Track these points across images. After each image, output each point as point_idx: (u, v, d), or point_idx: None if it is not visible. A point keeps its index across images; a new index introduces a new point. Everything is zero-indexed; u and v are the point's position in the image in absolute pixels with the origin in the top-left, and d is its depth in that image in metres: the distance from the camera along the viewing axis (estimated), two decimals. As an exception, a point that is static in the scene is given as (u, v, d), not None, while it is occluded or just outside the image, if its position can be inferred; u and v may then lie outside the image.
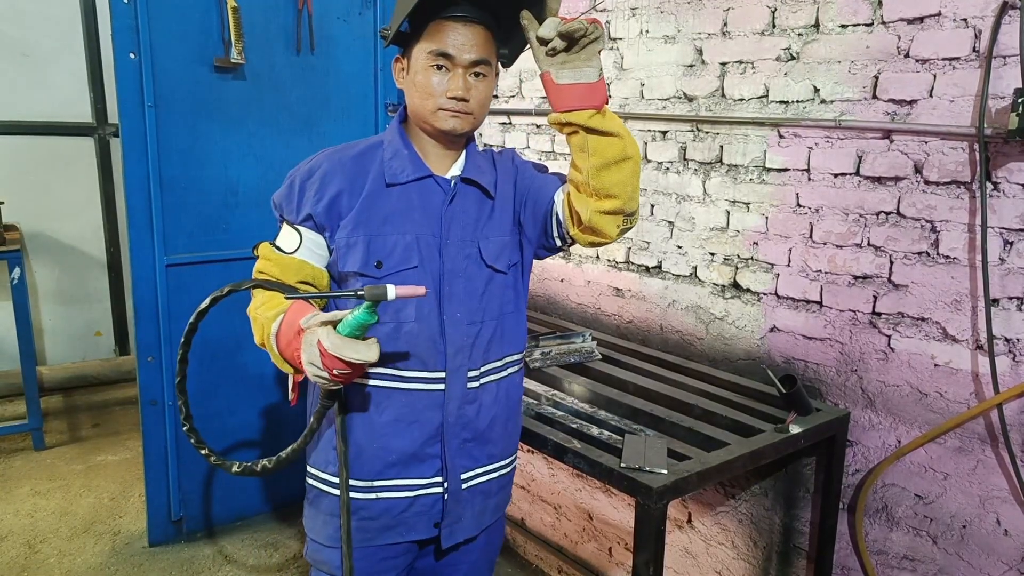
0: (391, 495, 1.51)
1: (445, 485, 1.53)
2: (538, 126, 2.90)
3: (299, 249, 1.47)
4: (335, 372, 1.24)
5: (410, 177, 1.48)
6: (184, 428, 1.49)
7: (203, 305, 1.40)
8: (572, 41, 1.30)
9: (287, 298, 1.36)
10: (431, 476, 1.52)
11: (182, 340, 1.45)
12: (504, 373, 1.59)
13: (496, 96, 3.07)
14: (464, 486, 1.55)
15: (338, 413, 1.45)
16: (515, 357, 1.62)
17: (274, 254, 1.48)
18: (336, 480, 1.51)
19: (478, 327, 1.52)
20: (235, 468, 1.49)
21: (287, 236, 1.49)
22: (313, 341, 1.24)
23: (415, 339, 1.46)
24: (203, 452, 1.52)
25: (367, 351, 1.23)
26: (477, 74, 1.43)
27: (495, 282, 1.54)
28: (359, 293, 1.23)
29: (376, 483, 1.50)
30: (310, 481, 1.58)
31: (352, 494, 1.49)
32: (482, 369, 1.54)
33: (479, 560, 1.68)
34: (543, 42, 1.31)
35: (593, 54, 1.33)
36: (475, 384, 1.52)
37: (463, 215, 1.51)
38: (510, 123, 3.04)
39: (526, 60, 2.91)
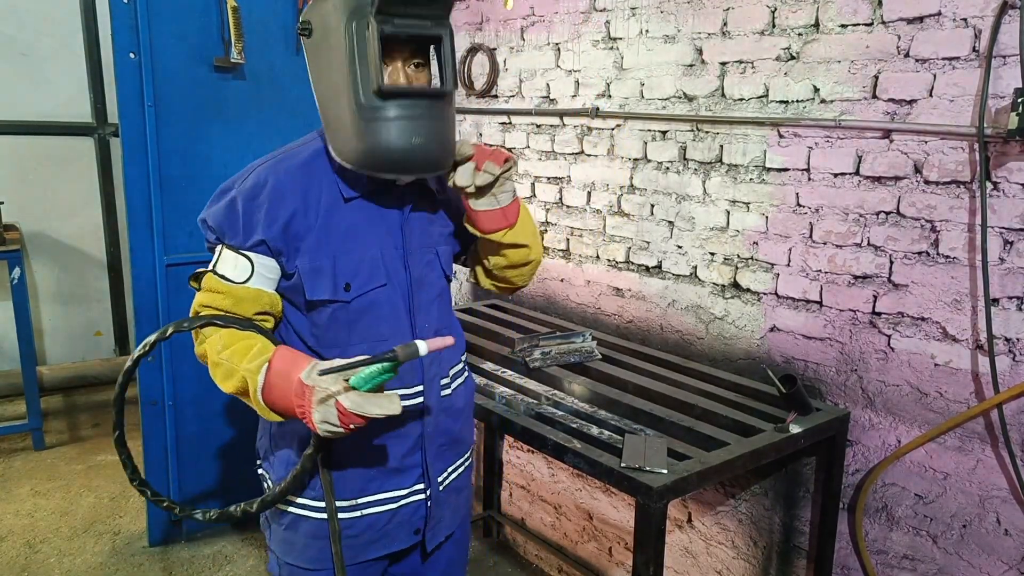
0: (374, 510, 1.50)
1: (428, 492, 1.54)
2: (538, 126, 2.90)
3: (252, 277, 1.36)
4: (351, 427, 1.22)
5: (367, 187, 1.42)
6: (134, 484, 1.42)
7: (138, 352, 1.33)
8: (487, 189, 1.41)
9: (323, 373, 1.21)
10: (411, 485, 1.52)
11: (116, 392, 1.35)
12: (465, 374, 1.64)
13: (495, 96, 3.07)
14: (441, 488, 1.57)
15: (322, 456, 1.41)
16: (464, 357, 1.66)
17: (223, 285, 1.36)
18: (316, 504, 1.47)
19: (443, 335, 1.54)
20: (211, 515, 1.44)
21: (234, 263, 1.36)
22: (329, 400, 1.20)
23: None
24: (164, 505, 1.46)
25: (390, 405, 1.21)
26: (417, 65, 1.37)
27: (445, 287, 1.58)
28: (389, 356, 1.19)
29: (360, 500, 1.49)
30: (282, 507, 1.51)
31: (336, 515, 1.47)
32: (450, 375, 1.56)
33: (455, 554, 1.70)
34: (460, 190, 1.42)
35: (507, 180, 1.43)
36: (447, 391, 1.55)
37: (420, 221, 1.50)
38: (510, 123, 3.04)
39: (525, 60, 2.92)
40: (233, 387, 1.33)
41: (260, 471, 1.59)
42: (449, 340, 1.22)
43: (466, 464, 1.67)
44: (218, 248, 1.39)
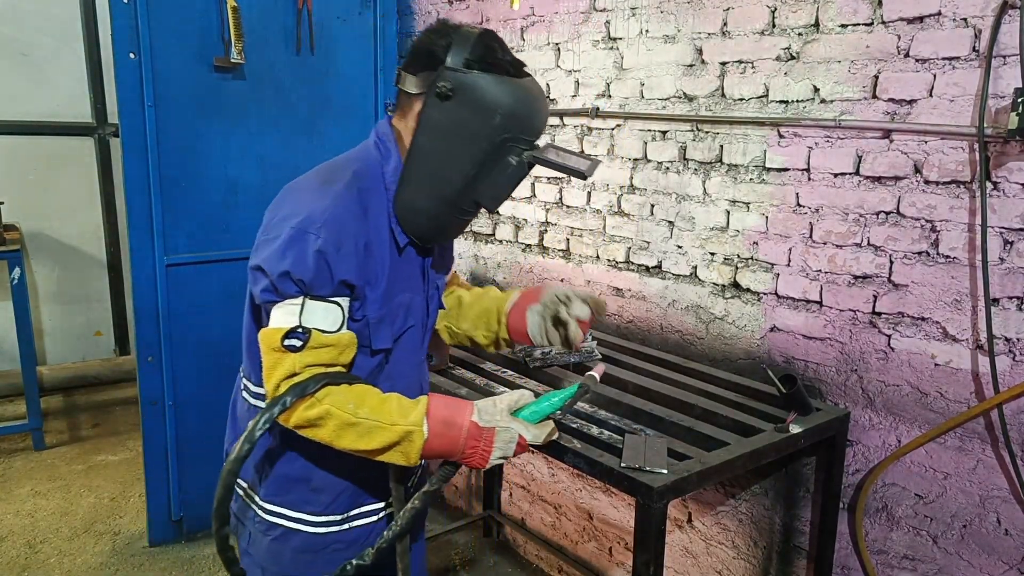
0: (361, 522, 1.52)
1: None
2: (538, 126, 2.90)
3: (345, 322, 1.33)
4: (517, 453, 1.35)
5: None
6: None
7: (245, 443, 1.28)
8: None
9: (513, 412, 1.35)
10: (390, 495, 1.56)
11: (217, 502, 1.31)
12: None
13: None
14: (411, 488, 1.60)
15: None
16: None
17: (330, 338, 1.30)
18: (309, 518, 1.46)
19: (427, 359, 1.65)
20: None
21: (324, 313, 1.30)
22: (513, 438, 1.32)
23: (402, 390, 1.45)
24: None
25: (554, 432, 1.38)
26: None
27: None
28: (582, 392, 1.40)
29: (351, 512, 1.50)
30: (271, 519, 1.48)
31: (328, 528, 1.48)
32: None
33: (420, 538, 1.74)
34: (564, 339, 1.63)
35: None
36: None
37: (435, 261, 1.55)
38: (510, 123, 3.04)
39: (525, 60, 2.91)
40: (378, 444, 1.30)
41: (268, 506, 1.49)
42: (603, 366, 1.46)
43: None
44: (299, 299, 1.30)
